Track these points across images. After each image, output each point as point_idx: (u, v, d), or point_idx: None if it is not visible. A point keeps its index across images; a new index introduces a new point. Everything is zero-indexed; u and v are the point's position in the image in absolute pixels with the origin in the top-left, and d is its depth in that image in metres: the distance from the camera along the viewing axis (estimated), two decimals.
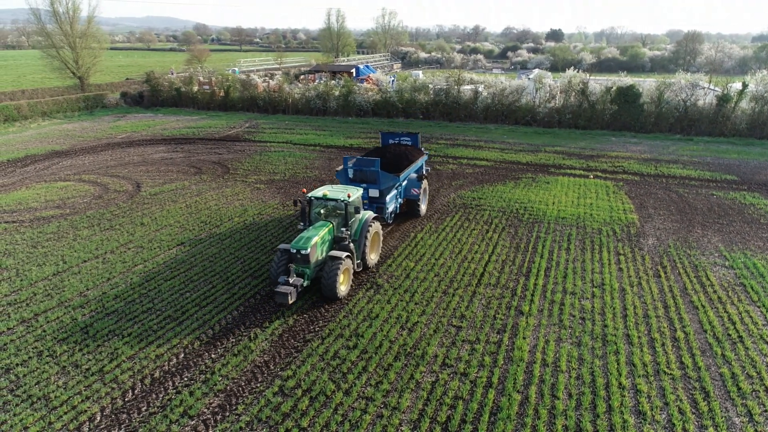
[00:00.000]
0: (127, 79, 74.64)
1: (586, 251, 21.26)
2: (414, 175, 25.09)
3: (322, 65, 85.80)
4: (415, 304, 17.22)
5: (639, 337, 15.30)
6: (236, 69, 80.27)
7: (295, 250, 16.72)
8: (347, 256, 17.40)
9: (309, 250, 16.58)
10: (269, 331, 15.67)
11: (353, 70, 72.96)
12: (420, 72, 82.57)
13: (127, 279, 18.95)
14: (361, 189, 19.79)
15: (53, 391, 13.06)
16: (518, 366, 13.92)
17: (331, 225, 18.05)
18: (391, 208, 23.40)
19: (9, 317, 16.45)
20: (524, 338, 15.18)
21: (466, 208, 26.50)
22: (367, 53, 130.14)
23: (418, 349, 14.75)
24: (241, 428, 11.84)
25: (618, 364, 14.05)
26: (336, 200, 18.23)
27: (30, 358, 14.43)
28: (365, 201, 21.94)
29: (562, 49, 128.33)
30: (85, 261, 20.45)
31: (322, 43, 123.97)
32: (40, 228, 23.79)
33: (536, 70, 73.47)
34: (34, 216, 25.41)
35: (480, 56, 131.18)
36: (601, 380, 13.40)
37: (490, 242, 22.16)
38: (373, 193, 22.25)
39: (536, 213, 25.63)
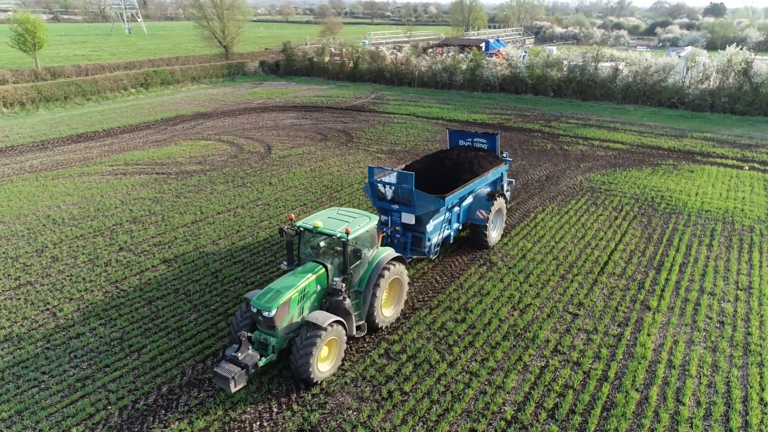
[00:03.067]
0: (266, 49, 79.09)
1: (732, 249, 18.90)
2: (485, 191, 18.99)
3: (450, 39, 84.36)
4: (530, 285, 16.50)
5: None
6: (366, 41, 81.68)
7: (256, 310, 11.84)
8: (334, 323, 12.05)
9: (274, 312, 11.56)
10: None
11: (482, 44, 70.87)
12: (554, 47, 78.13)
13: (254, 232, 20.27)
14: (375, 219, 13.98)
15: (185, 325, 14.43)
16: (639, 363, 12.81)
17: (323, 270, 12.72)
18: (435, 239, 17.26)
19: (154, 256, 18.41)
20: (649, 335, 13.92)
21: (593, 192, 24.76)
22: (499, 27, 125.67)
23: (529, 331, 14.15)
24: (346, 383, 12.22)
25: (761, 377, 12.38)
26: (330, 236, 12.90)
27: (168, 293, 16.05)
28: (396, 228, 16.72)
29: (722, 25, 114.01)
30: (219, 213, 22.21)
31: (453, 17, 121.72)
32: (184, 180, 26.22)
33: (689, 48, 66.14)
34: (180, 170, 28.05)
35: (623, 32, 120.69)
36: (738, 392, 11.91)
37: (618, 230, 20.53)
38: (407, 218, 16.54)
39: (675, 203, 23.24)
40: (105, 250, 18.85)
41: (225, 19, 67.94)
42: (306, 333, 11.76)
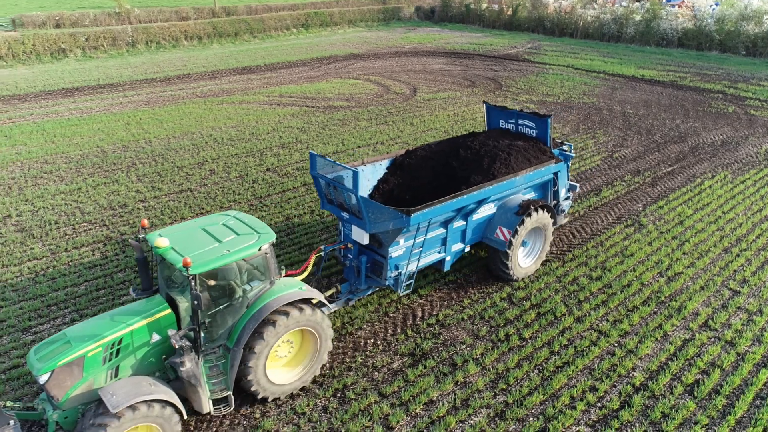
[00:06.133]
0: None
1: None
2: (518, 199, 12.98)
3: None
4: (683, 253, 14.60)
5: None
6: None
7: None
8: (145, 403, 7.64)
9: (46, 376, 7.63)
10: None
11: None
12: None
13: None
14: (268, 239, 8.92)
15: (317, 243, 15.09)
16: None
17: (169, 311, 8.52)
18: (405, 267, 11.47)
19: (295, 179, 19.43)
20: None
21: None
22: None
23: (675, 300, 12.58)
24: (462, 319, 11.94)
25: None
26: (173, 263, 8.18)
27: (304, 213, 16.88)
28: (348, 245, 11.76)
29: None
30: (359, 147, 22.68)
31: None
32: (330, 114, 27.12)
33: None
34: (328, 104, 29.04)
35: None
36: None
37: None
38: (359, 235, 11.14)
39: None
40: (254, 168, 20.28)
41: None
42: (90, 416, 7.58)
